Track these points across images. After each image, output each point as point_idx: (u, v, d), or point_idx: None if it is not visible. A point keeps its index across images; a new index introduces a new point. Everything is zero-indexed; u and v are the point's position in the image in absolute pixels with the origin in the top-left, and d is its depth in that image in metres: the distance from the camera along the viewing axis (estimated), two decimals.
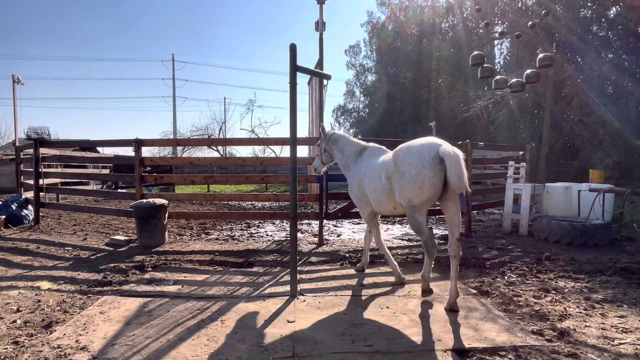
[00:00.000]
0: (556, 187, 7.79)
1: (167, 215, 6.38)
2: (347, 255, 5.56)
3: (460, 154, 3.40)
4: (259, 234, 7.38)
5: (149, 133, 58.82)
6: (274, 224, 8.56)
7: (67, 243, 6.41)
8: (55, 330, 3.07)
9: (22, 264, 5.15)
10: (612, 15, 16.62)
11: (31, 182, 8.29)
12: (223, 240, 6.75)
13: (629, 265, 4.96)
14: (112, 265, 5.02)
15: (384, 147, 4.37)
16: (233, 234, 7.36)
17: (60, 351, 2.72)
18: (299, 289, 3.95)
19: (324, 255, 5.59)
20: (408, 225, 8.30)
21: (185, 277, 4.53)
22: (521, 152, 9.12)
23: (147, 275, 4.56)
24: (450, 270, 3.68)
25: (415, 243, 6.48)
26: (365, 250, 4.82)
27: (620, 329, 3.12)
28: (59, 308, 3.56)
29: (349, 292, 3.98)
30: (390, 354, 2.69)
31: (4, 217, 7.64)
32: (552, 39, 16.84)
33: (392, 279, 4.44)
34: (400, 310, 3.50)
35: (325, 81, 5.52)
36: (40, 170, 8.00)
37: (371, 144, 4.51)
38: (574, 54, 17.30)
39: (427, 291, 3.86)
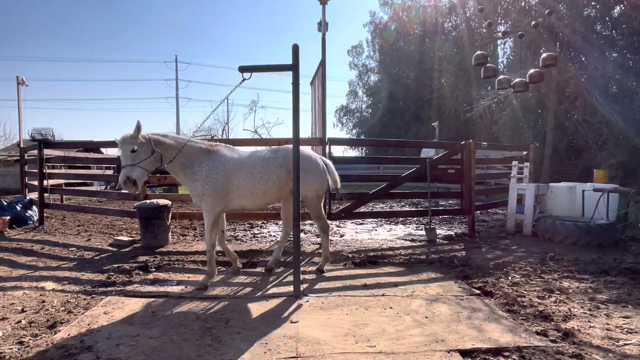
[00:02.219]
0: (560, 187, 7.75)
1: (170, 215, 6.39)
2: (351, 255, 5.55)
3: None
4: (262, 234, 7.39)
5: None
6: (277, 224, 8.56)
7: (71, 244, 6.44)
8: (59, 331, 3.09)
9: (27, 264, 5.18)
10: (616, 14, 16.52)
11: (35, 183, 8.34)
12: (226, 240, 6.76)
13: (634, 265, 4.93)
14: (116, 265, 5.04)
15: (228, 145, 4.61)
16: (236, 234, 7.37)
17: (65, 351, 2.74)
18: (302, 289, 3.95)
19: None
20: (411, 226, 8.29)
21: (188, 277, 4.55)
22: (525, 152, 9.09)
23: (150, 276, 4.57)
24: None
25: (417, 243, 6.47)
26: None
27: (625, 329, 3.10)
28: (63, 308, 3.58)
29: (352, 293, 3.97)
30: (394, 355, 2.69)
31: (8, 217, 7.68)
32: (556, 39, 16.76)
33: (394, 279, 4.44)
34: (403, 310, 3.49)
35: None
36: (44, 171, 8.05)
37: (214, 143, 4.55)
38: (578, 53, 17.20)
39: (321, 271, 4.67)
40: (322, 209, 4.73)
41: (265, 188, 4.31)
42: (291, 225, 4.80)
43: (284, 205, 4.87)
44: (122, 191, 3.89)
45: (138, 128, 3.91)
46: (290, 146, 4.66)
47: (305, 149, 4.75)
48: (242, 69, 3.82)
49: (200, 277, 4.50)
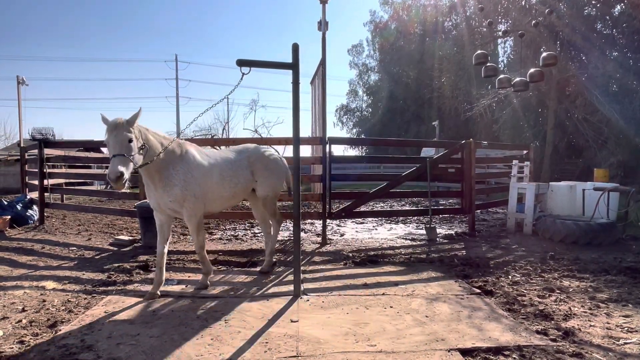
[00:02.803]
0: (560, 186, 7.75)
1: None
2: (351, 254, 5.55)
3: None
4: (262, 233, 7.39)
5: None
6: None
7: (72, 243, 6.45)
8: (60, 330, 3.09)
9: (27, 263, 5.18)
10: (616, 13, 16.51)
11: (36, 182, 8.33)
12: (226, 240, 6.77)
13: (634, 264, 4.93)
14: (117, 265, 5.05)
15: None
16: (236, 233, 7.37)
17: (66, 350, 2.74)
18: (302, 288, 3.95)
19: (328, 255, 5.59)
20: (411, 225, 8.28)
21: (189, 276, 4.55)
22: (525, 151, 9.09)
23: (151, 275, 4.57)
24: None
25: (418, 243, 6.47)
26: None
27: (626, 328, 3.10)
28: (64, 308, 3.58)
29: (353, 292, 3.97)
30: (394, 354, 2.69)
31: (9, 217, 7.68)
32: (556, 38, 16.76)
33: (395, 278, 4.44)
34: (403, 309, 3.49)
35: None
36: (44, 170, 8.05)
37: (181, 142, 4.03)
38: (578, 52, 17.20)
39: (270, 267, 4.69)
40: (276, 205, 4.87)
41: (235, 191, 4.23)
42: (269, 223, 4.90)
43: (255, 207, 4.85)
44: (121, 191, 3.39)
45: (137, 116, 3.41)
46: (253, 145, 4.63)
47: (261, 148, 4.65)
48: (241, 63, 3.66)
49: (200, 277, 4.50)
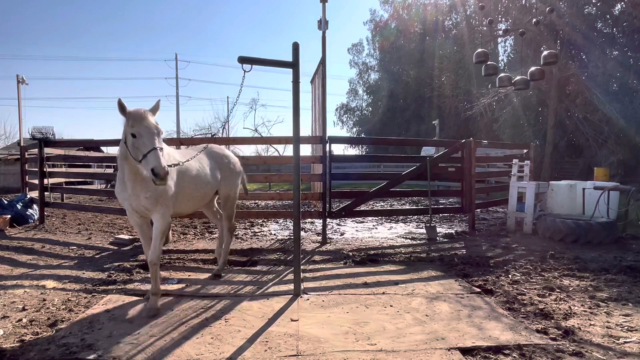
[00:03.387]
0: (561, 185, 7.75)
1: None
2: (351, 254, 5.55)
3: None
4: (262, 232, 7.40)
5: None
6: (277, 222, 8.57)
7: (72, 242, 6.45)
8: (60, 329, 3.09)
9: (28, 263, 5.18)
10: (617, 12, 16.51)
11: (36, 181, 8.34)
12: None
13: (634, 263, 4.93)
14: (117, 264, 5.05)
15: None
16: (236, 232, 7.36)
17: (66, 349, 2.74)
18: (302, 287, 3.95)
19: (328, 254, 5.59)
20: (411, 224, 8.28)
21: (189, 275, 4.55)
22: (525, 150, 9.08)
23: None
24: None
25: (418, 242, 6.47)
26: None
27: (626, 327, 3.10)
28: (64, 307, 3.58)
29: (353, 291, 3.97)
30: (394, 353, 2.69)
31: (9, 216, 7.68)
32: (557, 36, 16.75)
33: (395, 277, 4.44)
34: (403, 308, 3.50)
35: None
36: (44, 169, 8.05)
37: None
38: (579, 51, 17.20)
39: (218, 276, 4.43)
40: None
41: (205, 192, 4.16)
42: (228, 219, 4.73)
43: (208, 207, 4.78)
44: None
45: (157, 108, 3.32)
46: (216, 146, 4.60)
47: (223, 148, 4.69)
48: (242, 60, 3.59)
49: (200, 276, 4.52)
